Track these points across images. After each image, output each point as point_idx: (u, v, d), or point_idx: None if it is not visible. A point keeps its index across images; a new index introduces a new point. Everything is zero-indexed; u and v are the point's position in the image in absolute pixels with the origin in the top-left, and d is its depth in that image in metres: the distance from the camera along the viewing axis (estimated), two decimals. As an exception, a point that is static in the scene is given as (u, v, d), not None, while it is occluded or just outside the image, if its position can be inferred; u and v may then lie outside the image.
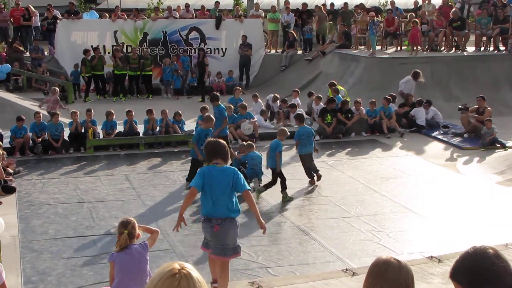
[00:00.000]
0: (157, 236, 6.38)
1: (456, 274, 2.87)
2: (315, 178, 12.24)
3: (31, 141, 14.52)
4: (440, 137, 16.26)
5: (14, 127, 14.41)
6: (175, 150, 15.12)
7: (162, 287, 2.49)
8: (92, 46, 22.44)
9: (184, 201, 6.89)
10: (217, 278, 6.91)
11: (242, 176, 6.64)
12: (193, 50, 23.54)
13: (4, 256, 7.94)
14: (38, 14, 24.21)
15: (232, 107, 16.34)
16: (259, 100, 17.93)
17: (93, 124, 15.20)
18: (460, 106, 16.58)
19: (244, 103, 16.49)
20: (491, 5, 22.71)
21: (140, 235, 6.06)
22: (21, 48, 21.84)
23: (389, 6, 25.32)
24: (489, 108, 16.15)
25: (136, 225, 5.99)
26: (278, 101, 17.76)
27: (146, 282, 5.73)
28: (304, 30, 24.63)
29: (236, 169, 6.85)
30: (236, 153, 12.36)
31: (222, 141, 6.85)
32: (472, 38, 22.91)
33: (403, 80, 18.32)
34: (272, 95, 18.20)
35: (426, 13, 23.06)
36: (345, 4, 24.95)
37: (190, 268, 2.56)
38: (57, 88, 18.28)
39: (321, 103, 17.36)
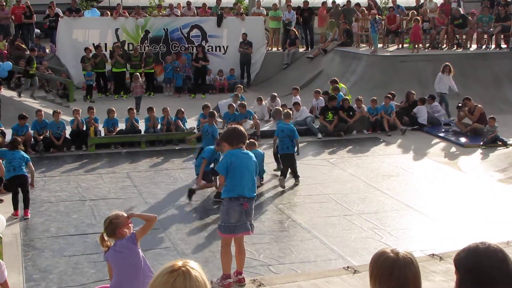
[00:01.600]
0: (152, 223, 5.89)
1: (457, 261, 2.86)
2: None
3: (32, 139, 14.54)
4: (441, 135, 16.26)
5: (16, 125, 14.40)
6: (177, 148, 15.13)
7: (159, 284, 2.49)
8: (93, 44, 22.45)
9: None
10: (236, 255, 7.25)
11: None
12: (194, 48, 23.53)
13: (5, 254, 7.94)
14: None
15: (234, 105, 16.35)
16: (263, 103, 17.78)
17: (95, 122, 15.21)
18: (459, 105, 16.57)
19: (243, 102, 16.48)
20: (496, 5, 22.68)
21: (126, 232, 5.75)
22: (23, 46, 21.83)
23: (390, 4, 25.28)
24: (479, 106, 16.17)
25: (118, 217, 5.68)
26: (276, 100, 17.72)
27: (142, 276, 5.67)
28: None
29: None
30: None
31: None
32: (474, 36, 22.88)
33: (436, 81, 18.00)
34: (269, 97, 18.05)
35: (428, 11, 23.02)
36: (348, 1, 24.94)
37: (192, 266, 2.53)
38: (138, 74, 19.93)
39: (321, 97, 17.37)
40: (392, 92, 17.52)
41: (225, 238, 7.15)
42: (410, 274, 2.96)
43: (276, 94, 18.13)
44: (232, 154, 6.95)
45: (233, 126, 7.44)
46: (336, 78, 18.46)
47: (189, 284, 2.47)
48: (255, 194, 7.15)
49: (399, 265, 2.95)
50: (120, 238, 5.68)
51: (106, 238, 5.70)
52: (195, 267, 2.54)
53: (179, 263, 2.53)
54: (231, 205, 6.93)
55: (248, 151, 7.20)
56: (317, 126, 16.48)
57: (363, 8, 24.56)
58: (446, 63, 18.07)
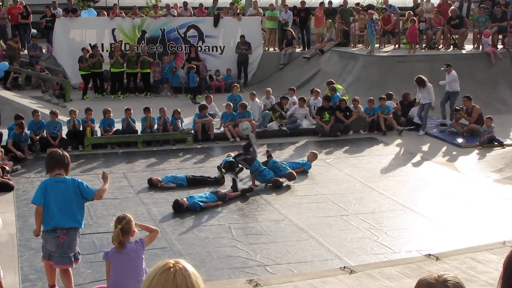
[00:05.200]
0: (156, 235, 6.30)
1: None
2: None
3: (29, 139, 14.49)
4: (438, 135, 16.27)
5: (12, 125, 14.34)
6: (173, 148, 15.12)
7: (159, 282, 2.50)
8: (90, 44, 22.42)
9: (37, 221, 6.86)
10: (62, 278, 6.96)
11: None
12: (188, 48, 23.50)
13: (1, 254, 7.94)
14: None
15: (231, 104, 16.33)
16: (256, 98, 17.84)
17: (91, 122, 15.17)
18: (456, 107, 16.58)
19: (244, 102, 16.48)
20: (491, 3, 22.66)
21: (136, 232, 6.00)
22: (14, 45, 21.72)
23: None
24: (477, 107, 16.18)
25: (132, 221, 5.92)
26: (271, 96, 17.84)
27: (142, 280, 5.73)
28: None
29: (76, 178, 6.94)
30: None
31: (64, 151, 6.93)
32: (470, 36, 22.91)
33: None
34: (264, 95, 18.14)
35: (424, 11, 23.04)
36: (344, 2, 24.97)
37: (184, 262, 2.58)
38: (159, 61, 22.03)
39: (319, 98, 17.40)
40: (390, 92, 17.54)
41: (45, 263, 7.03)
42: None
43: (270, 89, 18.18)
44: (45, 184, 6.67)
45: (50, 150, 6.93)
46: (332, 80, 18.47)
47: (189, 280, 2.52)
48: (77, 224, 6.78)
49: None
50: (129, 240, 5.83)
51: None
52: (188, 263, 2.60)
53: (171, 260, 2.58)
54: (47, 238, 6.72)
55: (66, 177, 6.72)
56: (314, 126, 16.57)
57: (360, 7, 24.56)
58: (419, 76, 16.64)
